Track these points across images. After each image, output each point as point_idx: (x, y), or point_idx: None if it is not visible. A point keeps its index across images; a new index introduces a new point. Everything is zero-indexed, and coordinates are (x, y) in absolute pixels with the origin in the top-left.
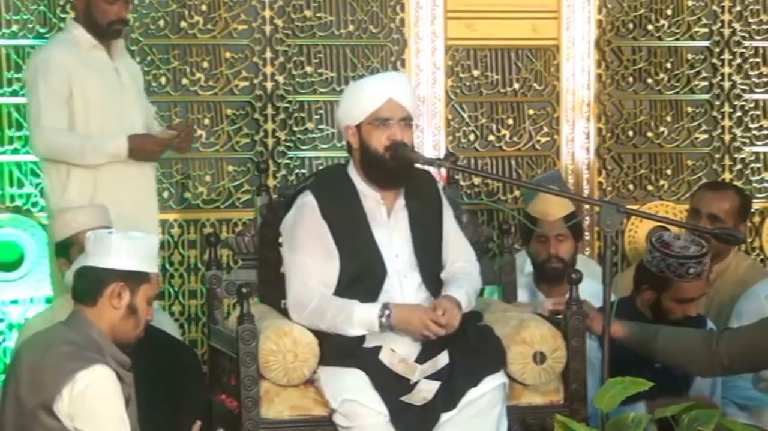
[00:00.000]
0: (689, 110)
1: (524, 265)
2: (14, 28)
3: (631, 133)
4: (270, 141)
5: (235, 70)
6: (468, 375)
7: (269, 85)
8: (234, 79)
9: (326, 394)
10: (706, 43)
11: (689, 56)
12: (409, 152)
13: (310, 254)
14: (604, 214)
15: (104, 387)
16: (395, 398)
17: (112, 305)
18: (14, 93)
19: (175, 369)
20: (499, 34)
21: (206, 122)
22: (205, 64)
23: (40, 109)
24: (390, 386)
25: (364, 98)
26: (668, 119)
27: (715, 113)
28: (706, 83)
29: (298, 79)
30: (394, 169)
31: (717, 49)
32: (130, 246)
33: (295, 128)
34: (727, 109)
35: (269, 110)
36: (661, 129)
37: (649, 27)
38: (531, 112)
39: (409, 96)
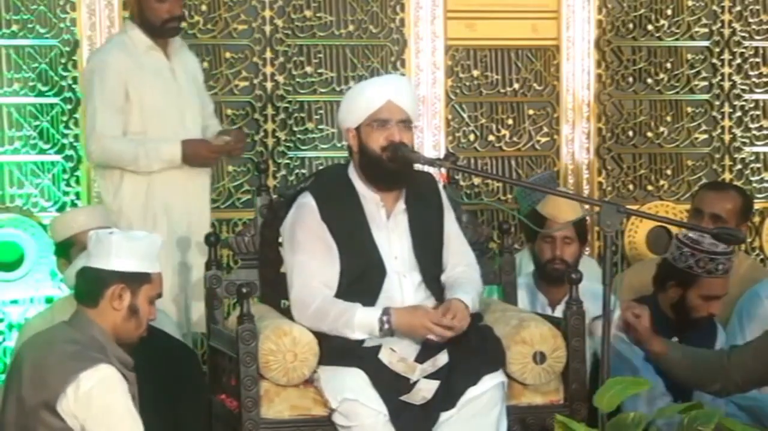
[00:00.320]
0: (689, 109)
1: (522, 265)
2: (14, 28)
3: (631, 133)
4: (270, 141)
5: (235, 70)
6: (467, 374)
7: (269, 85)
8: (234, 80)
9: (326, 394)
10: (706, 43)
11: (689, 56)
12: (408, 152)
13: (311, 254)
14: (604, 214)
15: (111, 386)
16: (395, 397)
17: (112, 307)
18: (14, 93)
19: (176, 370)
20: (499, 34)
21: None
22: (206, 64)
23: (95, 115)
24: (389, 385)
25: (363, 100)
26: (668, 119)
27: (715, 113)
28: (706, 83)
29: (298, 79)
30: (393, 170)
31: (717, 49)
32: (131, 247)
33: (295, 128)
34: (727, 109)
35: (269, 110)
36: (661, 129)
37: (649, 27)
38: (531, 112)
39: (409, 99)
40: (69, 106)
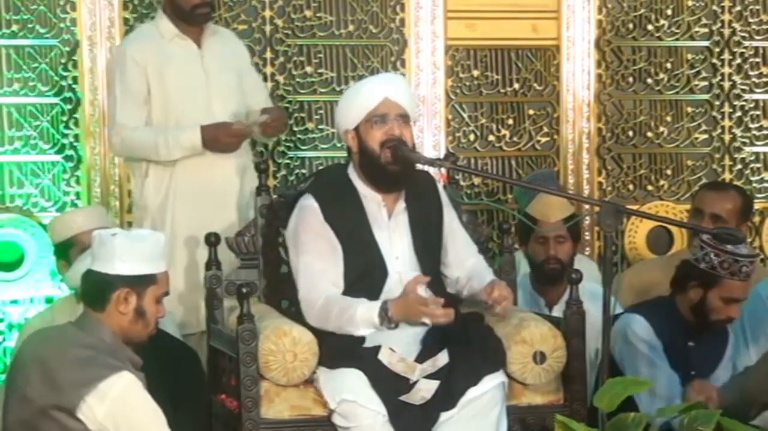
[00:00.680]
0: (689, 110)
1: (520, 266)
2: (14, 28)
3: (631, 133)
4: (270, 141)
5: None
6: (467, 375)
7: (269, 85)
8: None
9: (325, 394)
10: (706, 43)
11: (689, 56)
12: (408, 152)
13: (315, 255)
14: (604, 214)
15: (135, 391)
16: (394, 397)
17: (119, 311)
18: (14, 93)
19: (176, 370)
20: (499, 34)
21: None
22: None
23: (115, 107)
24: (389, 385)
25: (360, 99)
26: (668, 119)
27: (715, 113)
28: (706, 83)
29: (298, 79)
30: (394, 171)
31: (717, 49)
32: (135, 249)
33: (295, 128)
34: (727, 109)
35: None
36: (661, 129)
37: (649, 27)
38: (531, 112)
39: (406, 95)
40: (69, 106)
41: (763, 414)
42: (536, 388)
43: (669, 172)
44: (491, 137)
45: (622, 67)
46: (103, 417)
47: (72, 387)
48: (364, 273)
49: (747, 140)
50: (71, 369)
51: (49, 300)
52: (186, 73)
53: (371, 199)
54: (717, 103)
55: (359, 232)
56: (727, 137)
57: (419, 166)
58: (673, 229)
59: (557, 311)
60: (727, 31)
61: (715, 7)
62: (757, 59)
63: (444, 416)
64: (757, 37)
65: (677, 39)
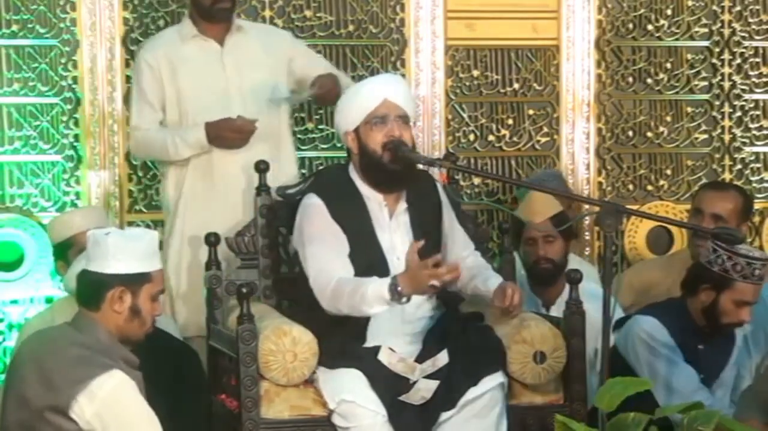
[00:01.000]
0: (689, 110)
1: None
2: (14, 28)
3: (630, 133)
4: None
5: None
6: (467, 375)
7: None
8: None
9: (324, 395)
10: (706, 43)
11: (689, 56)
12: (409, 152)
13: (322, 244)
14: (604, 214)
15: (127, 390)
16: (393, 397)
17: (114, 310)
18: (14, 93)
19: (177, 370)
20: (499, 34)
21: None
22: None
23: (132, 110)
24: (388, 385)
25: (360, 100)
26: (668, 119)
27: (715, 113)
28: (705, 83)
29: None
30: (395, 170)
31: (717, 49)
32: (128, 248)
33: (296, 128)
34: (727, 109)
35: None
36: (661, 129)
37: (649, 27)
38: (531, 112)
39: (406, 96)
40: (69, 107)
41: None
42: (536, 388)
43: (669, 172)
44: (491, 137)
45: (622, 67)
46: (91, 415)
47: (65, 387)
48: (365, 273)
49: (747, 140)
50: (65, 368)
51: (49, 300)
52: (203, 73)
53: (373, 199)
54: (717, 103)
55: (362, 231)
56: (727, 137)
57: (419, 166)
58: (673, 229)
59: (554, 311)
60: (727, 31)
61: (715, 7)
62: (757, 59)
63: (444, 416)
64: (757, 37)
65: (677, 39)
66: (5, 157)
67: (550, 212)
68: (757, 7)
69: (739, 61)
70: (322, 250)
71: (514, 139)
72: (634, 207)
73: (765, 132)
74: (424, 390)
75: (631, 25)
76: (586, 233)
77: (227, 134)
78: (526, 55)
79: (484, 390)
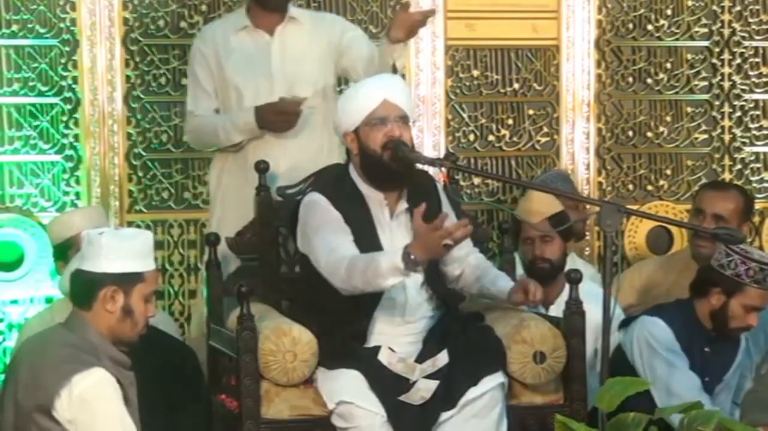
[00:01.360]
0: (689, 110)
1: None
2: (14, 28)
3: (630, 133)
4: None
5: None
6: (467, 375)
7: None
8: None
9: (323, 395)
10: (706, 43)
11: (689, 56)
12: (408, 152)
13: (327, 231)
14: (604, 214)
15: (103, 390)
16: (393, 398)
17: (105, 309)
18: (14, 93)
19: (176, 370)
20: (499, 34)
21: None
22: None
23: (188, 97)
24: (388, 385)
25: (359, 101)
26: (668, 119)
27: (714, 113)
28: (705, 83)
29: None
30: (395, 170)
31: (717, 49)
32: (121, 247)
33: None
34: (726, 109)
35: None
36: (661, 129)
37: (649, 27)
38: (531, 112)
39: (405, 96)
40: (69, 107)
41: None
42: (536, 388)
43: (669, 172)
44: (491, 137)
45: (621, 67)
46: (67, 410)
47: (49, 385)
48: None
49: (747, 140)
50: (52, 367)
51: (49, 300)
52: (250, 63)
53: (374, 198)
54: (717, 103)
55: (363, 230)
56: (727, 137)
57: (419, 166)
58: (673, 229)
59: (553, 311)
60: (727, 31)
61: (715, 7)
62: (757, 59)
63: (444, 416)
64: (757, 37)
65: (677, 39)
66: (5, 157)
67: (548, 211)
68: (757, 7)
69: (739, 61)
70: (330, 235)
71: (514, 139)
72: (634, 207)
73: (765, 132)
74: (423, 390)
75: (631, 25)
76: (587, 233)
77: (272, 116)
78: (526, 55)
79: (484, 390)
